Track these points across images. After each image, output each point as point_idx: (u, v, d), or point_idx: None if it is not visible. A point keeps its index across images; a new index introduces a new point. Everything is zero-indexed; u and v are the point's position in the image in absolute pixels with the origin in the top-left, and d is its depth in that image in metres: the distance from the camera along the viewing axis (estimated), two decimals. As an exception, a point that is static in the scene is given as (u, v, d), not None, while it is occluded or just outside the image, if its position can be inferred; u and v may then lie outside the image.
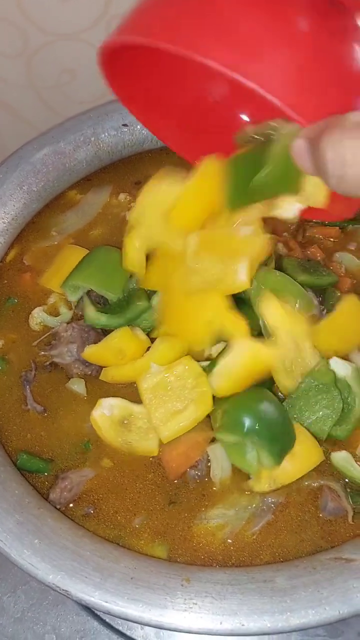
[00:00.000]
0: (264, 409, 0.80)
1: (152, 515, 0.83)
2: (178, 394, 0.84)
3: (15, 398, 0.92)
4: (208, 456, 0.84)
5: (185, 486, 0.84)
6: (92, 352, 0.90)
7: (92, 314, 0.92)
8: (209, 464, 0.85)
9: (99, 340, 0.91)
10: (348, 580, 0.71)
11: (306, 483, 0.84)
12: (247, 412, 0.80)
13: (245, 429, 0.79)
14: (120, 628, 0.98)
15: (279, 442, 0.80)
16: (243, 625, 0.69)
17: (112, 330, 0.90)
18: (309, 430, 0.83)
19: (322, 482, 0.83)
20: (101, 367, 0.91)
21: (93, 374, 0.92)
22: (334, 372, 0.84)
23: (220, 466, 0.84)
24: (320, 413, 0.83)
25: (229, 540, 0.80)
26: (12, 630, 1.00)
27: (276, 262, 0.96)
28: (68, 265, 0.97)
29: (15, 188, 1.05)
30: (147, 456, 0.85)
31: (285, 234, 1.04)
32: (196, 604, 0.71)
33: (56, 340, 0.95)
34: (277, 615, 0.69)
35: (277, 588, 0.72)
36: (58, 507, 0.83)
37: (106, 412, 0.85)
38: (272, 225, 0.92)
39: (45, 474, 0.86)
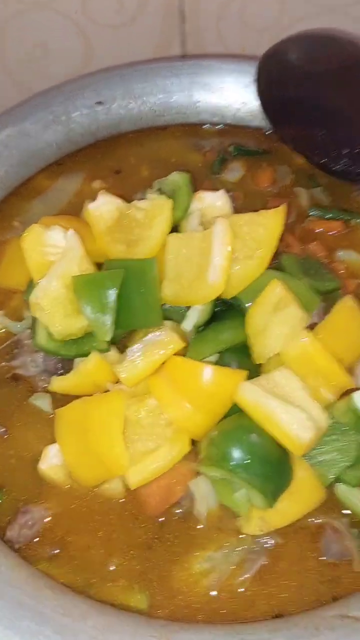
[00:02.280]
0: (256, 441, 0.69)
1: (129, 557, 0.71)
2: (149, 432, 0.72)
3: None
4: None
5: (167, 525, 0.73)
6: (61, 386, 0.78)
7: (43, 339, 0.79)
8: (193, 500, 0.73)
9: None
10: (358, 646, 0.60)
11: (305, 520, 0.72)
12: (237, 442, 0.68)
13: (233, 463, 0.67)
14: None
15: (273, 480, 0.68)
16: None
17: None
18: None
19: (323, 519, 0.72)
20: None
21: None
22: (356, 412, 0.71)
23: (205, 503, 0.72)
24: (329, 456, 0.71)
25: (215, 590, 0.69)
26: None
27: (274, 258, 0.84)
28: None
29: (-29, 174, 0.93)
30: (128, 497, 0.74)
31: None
32: None
33: (19, 349, 0.84)
34: None
35: (273, 654, 0.60)
36: (17, 546, 0.71)
37: (55, 462, 0.74)
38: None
39: (-1, 504, 0.74)
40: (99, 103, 1.00)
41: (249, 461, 0.67)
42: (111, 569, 0.70)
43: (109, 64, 1.12)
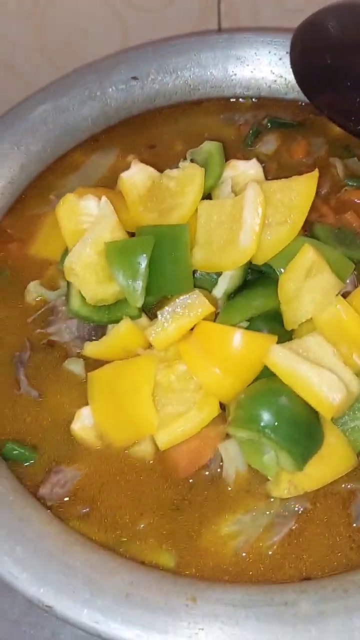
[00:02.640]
0: (285, 403, 0.68)
1: (158, 517, 0.72)
2: (179, 396, 0.72)
3: (7, 381, 0.82)
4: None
5: (196, 486, 0.73)
6: (93, 351, 0.79)
7: (77, 304, 0.79)
8: (221, 463, 0.73)
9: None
10: (386, 607, 0.59)
11: (336, 486, 0.71)
12: (265, 405, 0.68)
13: (262, 425, 0.67)
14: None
15: (302, 443, 0.68)
16: (258, 658, 0.57)
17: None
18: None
19: (354, 485, 0.71)
20: None
21: None
22: None
23: (234, 466, 0.72)
24: None
25: (243, 552, 0.68)
26: (7, 633, 0.91)
27: (306, 228, 0.84)
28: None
29: (11, 147, 0.94)
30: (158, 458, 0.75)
31: (315, 198, 0.91)
32: (202, 629, 0.59)
33: (54, 316, 0.85)
34: (300, 647, 0.57)
35: (301, 614, 0.60)
36: (49, 504, 0.72)
37: (87, 424, 0.75)
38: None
39: (31, 462, 0.75)
40: (134, 78, 1.01)
41: (277, 423, 0.67)
42: (140, 527, 0.71)
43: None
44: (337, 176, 0.95)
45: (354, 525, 0.70)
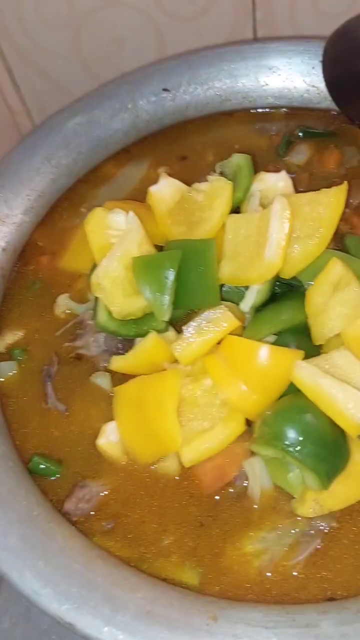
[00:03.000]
0: (311, 421, 0.67)
1: (182, 533, 0.72)
2: (205, 411, 0.72)
3: (35, 394, 0.82)
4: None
5: (221, 503, 0.73)
6: (120, 365, 0.79)
7: (104, 318, 0.80)
8: (247, 480, 0.72)
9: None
10: None
11: (363, 503, 0.70)
12: (290, 422, 0.67)
13: (286, 443, 0.66)
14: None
15: (327, 461, 0.66)
16: None
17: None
18: None
19: (382, 504, 0.70)
20: None
21: None
22: None
23: (259, 483, 0.71)
24: None
25: (267, 571, 0.68)
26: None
27: (337, 240, 0.82)
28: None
29: (42, 162, 0.95)
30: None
31: (346, 209, 0.89)
32: (222, 650, 0.59)
33: (82, 330, 0.85)
34: (321, 672, 0.56)
35: (322, 635, 0.59)
36: (74, 519, 0.73)
37: (112, 439, 0.75)
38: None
39: (57, 476, 0.76)
40: (165, 90, 1.01)
41: (302, 441, 0.66)
42: (164, 544, 0.71)
43: (181, 57, 1.12)
44: (370, 187, 0.93)
45: (382, 545, 0.69)
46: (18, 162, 0.95)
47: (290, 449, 0.66)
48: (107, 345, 0.83)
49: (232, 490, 0.73)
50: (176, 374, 0.73)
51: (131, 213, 0.81)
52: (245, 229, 0.79)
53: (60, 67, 1.25)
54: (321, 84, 1.00)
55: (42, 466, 0.76)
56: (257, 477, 0.72)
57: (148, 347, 0.77)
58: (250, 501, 0.72)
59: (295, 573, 0.68)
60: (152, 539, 0.71)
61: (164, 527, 0.72)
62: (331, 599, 0.65)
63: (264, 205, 0.82)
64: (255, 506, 0.72)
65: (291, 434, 0.67)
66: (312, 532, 0.70)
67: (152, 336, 0.77)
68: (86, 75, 1.28)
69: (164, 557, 0.70)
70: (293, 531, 0.70)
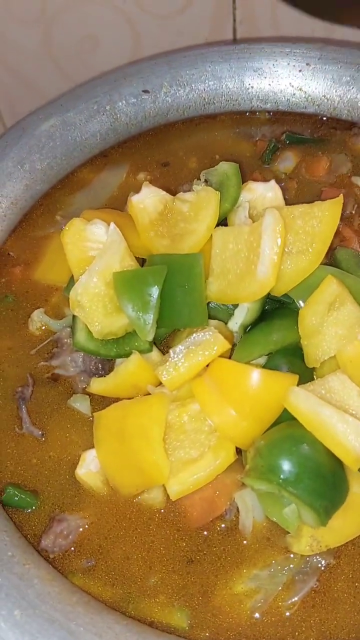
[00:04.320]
0: (308, 452, 0.63)
1: (170, 571, 0.67)
2: (192, 438, 0.67)
3: (8, 418, 0.77)
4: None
5: (210, 538, 0.68)
6: (100, 387, 0.75)
7: (83, 338, 0.74)
8: (238, 513, 0.67)
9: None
10: None
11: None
12: (286, 454, 0.63)
13: (282, 478, 0.62)
14: None
15: (325, 497, 0.62)
16: None
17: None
18: None
19: (382, 539, 0.66)
20: None
21: None
22: None
23: (251, 517, 0.67)
24: None
25: (259, 613, 0.63)
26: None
27: (329, 253, 0.78)
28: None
29: (14, 166, 0.90)
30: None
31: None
32: None
33: (59, 348, 0.80)
34: None
35: None
36: (52, 556, 0.68)
37: (92, 468, 0.70)
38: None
39: (33, 508, 0.71)
40: (145, 91, 0.96)
41: (299, 475, 0.62)
42: (150, 582, 0.66)
43: (158, 56, 1.08)
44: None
45: (381, 582, 0.65)
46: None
47: (286, 483, 0.62)
48: (86, 365, 0.79)
49: (223, 525, 0.68)
50: (162, 400, 0.69)
51: (112, 225, 0.76)
52: (234, 244, 0.74)
53: (31, 64, 1.22)
54: (308, 88, 0.97)
55: (16, 498, 0.71)
56: (249, 510, 0.67)
57: (130, 369, 0.72)
58: (242, 536, 0.68)
59: (289, 614, 0.64)
60: (137, 577, 0.67)
61: (150, 564, 0.67)
62: (330, 641, 0.61)
63: (253, 217, 0.78)
64: (245, 542, 0.67)
65: (287, 467, 0.62)
66: (308, 569, 0.66)
67: (135, 358, 0.72)
68: (58, 74, 1.24)
69: (150, 597, 0.66)
70: (287, 568, 0.66)
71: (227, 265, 0.74)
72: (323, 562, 0.65)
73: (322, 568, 0.65)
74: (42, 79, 1.25)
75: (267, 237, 0.71)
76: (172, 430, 0.68)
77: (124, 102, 0.96)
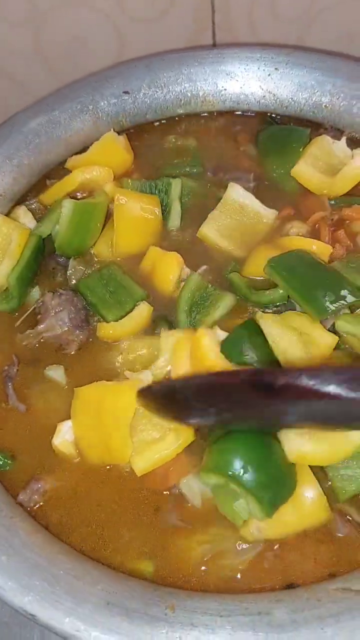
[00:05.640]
0: (255, 449, 0.68)
1: (135, 525, 0.74)
2: (154, 423, 0.73)
3: (-2, 395, 0.83)
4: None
5: (172, 497, 0.75)
6: (109, 333, 0.84)
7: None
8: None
9: (86, 305, 0.86)
10: (357, 618, 0.61)
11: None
12: (234, 449, 0.68)
13: (229, 470, 0.67)
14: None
15: (270, 488, 0.67)
16: (233, 665, 0.60)
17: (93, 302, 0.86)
18: (331, 482, 0.72)
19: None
20: (94, 330, 0.85)
21: (90, 338, 0.85)
22: None
23: (199, 497, 0.74)
24: (352, 472, 0.71)
25: (220, 561, 0.70)
26: (-3, 634, 0.93)
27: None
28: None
29: (3, 161, 0.96)
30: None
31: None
32: (180, 638, 0.61)
33: (42, 314, 0.86)
34: (272, 656, 0.60)
35: (274, 623, 0.62)
36: (28, 509, 0.74)
37: (68, 438, 0.76)
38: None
39: (11, 469, 0.77)
40: (126, 92, 1.03)
41: (245, 467, 0.67)
42: (119, 537, 0.73)
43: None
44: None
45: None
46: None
47: (233, 476, 0.67)
48: (72, 321, 0.85)
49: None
50: (134, 388, 0.74)
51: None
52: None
53: (20, 64, 1.25)
54: (277, 91, 1.04)
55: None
56: (196, 494, 0.74)
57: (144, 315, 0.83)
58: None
59: (246, 563, 0.70)
60: (107, 533, 0.73)
61: (117, 521, 0.74)
62: (290, 586, 0.68)
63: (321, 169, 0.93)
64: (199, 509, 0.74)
65: (234, 461, 0.67)
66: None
67: (146, 306, 0.84)
68: (46, 73, 1.28)
69: (118, 550, 0.72)
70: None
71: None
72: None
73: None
74: (31, 78, 1.29)
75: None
76: (138, 415, 0.74)
77: (105, 102, 1.02)
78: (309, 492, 0.69)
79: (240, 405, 0.63)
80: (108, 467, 0.76)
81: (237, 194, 0.90)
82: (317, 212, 0.90)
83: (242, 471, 0.67)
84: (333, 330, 0.79)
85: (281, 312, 0.80)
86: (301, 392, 0.56)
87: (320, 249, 0.85)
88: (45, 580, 0.65)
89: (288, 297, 0.82)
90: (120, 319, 0.84)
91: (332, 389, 0.55)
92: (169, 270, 0.85)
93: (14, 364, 0.84)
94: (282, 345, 0.75)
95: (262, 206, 0.91)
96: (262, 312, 0.81)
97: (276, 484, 0.68)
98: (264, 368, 0.71)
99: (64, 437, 0.77)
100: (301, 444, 0.69)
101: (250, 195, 0.91)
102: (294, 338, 0.75)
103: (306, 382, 0.56)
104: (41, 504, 0.75)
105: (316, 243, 0.85)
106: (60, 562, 0.67)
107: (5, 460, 0.78)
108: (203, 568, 0.70)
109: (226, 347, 0.76)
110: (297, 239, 0.87)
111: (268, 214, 0.91)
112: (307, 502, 0.69)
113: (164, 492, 0.75)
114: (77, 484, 0.76)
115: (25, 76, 1.27)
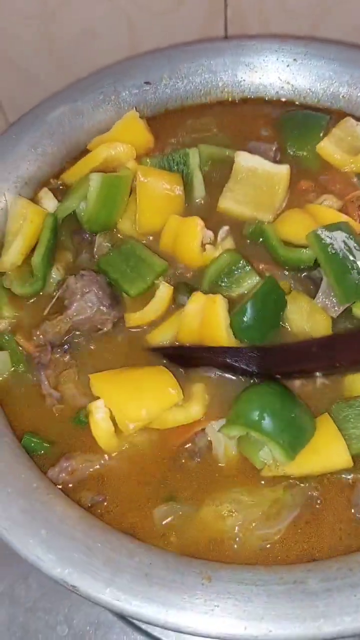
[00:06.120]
0: (270, 399, 0.74)
1: (166, 503, 0.76)
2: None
3: (31, 382, 0.85)
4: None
5: (193, 470, 0.78)
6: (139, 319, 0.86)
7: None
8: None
9: (111, 284, 0.88)
10: (388, 585, 0.63)
11: (338, 476, 0.76)
12: (250, 402, 0.74)
13: (247, 420, 0.73)
14: (136, 622, 0.91)
15: (289, 433, 0.72)
16: (270, 631, 0.62)
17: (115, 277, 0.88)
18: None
19: (354, 475, 0.75)
20: (124, 307, 0.87)
21: (121, 314, 0.87)
22: None
23: (222, 446, 0.77)
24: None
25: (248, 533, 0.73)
26: (22, 620, 0.95)
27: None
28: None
29: (28, 150, 0.98)
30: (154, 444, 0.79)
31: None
32: (218, 605, 0.63)
33: (69, 297, 0.86)
34: (309, 622, 0.62)
35: (308, 591, 0.64)
36: (58, 486, 0.76)
37: (98, 417, 0.78)
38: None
39: (45, 452, 0.79)
40: (147, 83, 1.05)
41: (261, 416, 0.72)
42: (148, 515, 0.75)
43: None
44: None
45: (353, 512, 0.74)
46: (4, 150, 0.97)
47: (250, 425, 0.72)
48: (100, 301, 0.86)
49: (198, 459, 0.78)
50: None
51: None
52: None
53: (31, 57, 1.25)
54: (295, 81, 1.06)
55: (33, 444, 0.79)
56: (220, 440, 0.77)
57: (165, 297, 0.85)
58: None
59: (277, 535, 0.73)
60: (138, 507, 0.75)
61: (147, 496, 0.76)
62: (314, 560, 0.71)
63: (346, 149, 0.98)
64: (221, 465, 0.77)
65: (253, 412, 0.73)
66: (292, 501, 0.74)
67: (166, 286, 0.85)
68: (57, 66, 1.29)
69: (151, 529, 0.74)
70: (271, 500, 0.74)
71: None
72: (306, 495, 0.75)
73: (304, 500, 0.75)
74: (42, 72, 1.30)
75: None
76: None
77: (127, 92, 1.04)
78: (329, 439, 0.74)
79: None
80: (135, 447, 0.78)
81: (246, 161, 0.92)
82: (343, 188, 0.93)
83: (260, 419, 0.72)
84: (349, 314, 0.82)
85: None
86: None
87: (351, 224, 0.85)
88: (83, 553, 0.67)
89: (314, 263, 0.83)
90: (143, 292, 0.86)
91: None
92: (190, 235, 0.86)
93: (47, 351, 0.85)
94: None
95: (271, 165, 0.92)
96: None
97: (294, 428, 0.73)
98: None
99: (94, 416, 0.78)
100: None
101: (258, 157, 0.93)
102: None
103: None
104: (71, 482, 0.77)
105: (347, 218, 0.86)
106: (97, 535, 0.69)
107: (38, 441, 0.80)
108: (237, 539, 0.72)
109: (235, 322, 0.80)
110: (331, 210, 0.88)
111: (280, 170, 0.92)
112: (328, 447, 0.74)
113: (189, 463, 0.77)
114: (108, 463, 0.78)
115: (36, 69, 1.28)
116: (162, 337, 0.84)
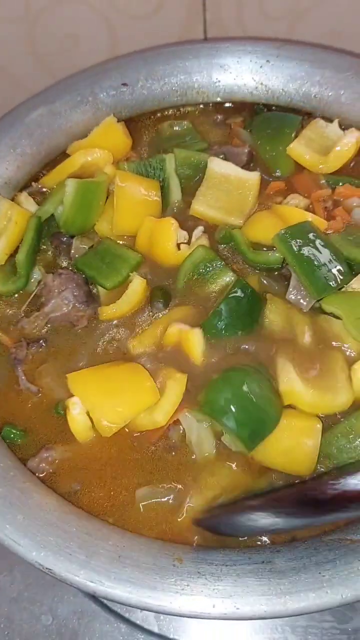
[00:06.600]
0: (236, 390, 0.75)
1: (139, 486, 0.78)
2: None
3: (10, 377, 0.87)
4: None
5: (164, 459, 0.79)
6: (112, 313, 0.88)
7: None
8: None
9: (88, 282, 0.90)
10: (352, 562, 0.66)
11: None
12: (219, 391, 0.75)
13: (212, 409, 0.75)
14: (119, 611, 0.94)
15: (248, 427, 0.73)
16: (238, 608, 0.64)
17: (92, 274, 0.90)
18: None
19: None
20: (99, 304, 0.89)
21: (95, 312, 0.89)
22: None
23: (195, 433, 0.79)
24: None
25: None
26: (7, 610, 0.97)
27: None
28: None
29: (7, 150, 1.00)
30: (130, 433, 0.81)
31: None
32: (188, 585, 0.66)
33: (46, 295, 0.89)
34: (275, 599, 0.64)
35: (275, 569, 0.66)
36: (38, 475, 0.78)
37: (75, 413, 0.79)
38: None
39: (25, 441, 0.81)
40: (124, 84, 1.07)
41: (225, 407, 0.74)
42: (127, 502, 0.77)
43: (135, 54, 1.17)
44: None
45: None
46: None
47: (215, 414, 0.74)
48: (76, 298, 0.88)
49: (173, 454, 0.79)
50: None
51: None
52: None
53: (14, 60, 1.27)
54: (268, 82, 1.08)
55: (12, 435, 0.82)
56: (193, 428, 0.78)
57: (138, 290, 0.87)
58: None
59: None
60: (114, 498, 0.77)
61: (126, 484, 0.78)
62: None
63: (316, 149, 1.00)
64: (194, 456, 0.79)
65: (219, 401, 0.75)
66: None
67: (139, 279, 0.87)
68: (40, 70, 1.30)
69: (128, 513, 0.76)
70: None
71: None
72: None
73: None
74: (25, 74, 1.32)
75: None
76: None
77: (104, 93, 1.07)
78: (309, 441, 0.74)
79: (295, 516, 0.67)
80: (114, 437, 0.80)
81: (219, 167, 0.95)
82: (311, 188, 0.95)
83: (223, 411, 0.73)
84: (318, 308, 0.84)
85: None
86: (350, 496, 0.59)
87: (316, 222, 0.88)
88: (59, 537, 0.69)
89: (282, 263, 0.86)
90: (119, 284, 0.88)
91: None
92: (165, 235, 0.89)
93: (23, 347, 0.87)
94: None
95: (243, 172, 0.95)
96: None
97: (256, 422, 0.74)
98: (309, 483, 0.73)
99: (72, 412, 0.79)
100: (296, 382, 0.76)
101: (230, 164, 0.95)
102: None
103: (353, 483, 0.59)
104: (51, 471, 0.79)
105: (313, 216, 0.89)
106: (72, 520, 0.71)
107: (17, 432, 0.82)
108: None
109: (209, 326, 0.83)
110: (296, 210, 0.91)
111: (251, 177, 0.95)
112: (302, 449, 0.74)
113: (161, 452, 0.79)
114: (84, 457, 0.80)
115: (19, 72, 1.29)
116: (143, 346, 0.85)
